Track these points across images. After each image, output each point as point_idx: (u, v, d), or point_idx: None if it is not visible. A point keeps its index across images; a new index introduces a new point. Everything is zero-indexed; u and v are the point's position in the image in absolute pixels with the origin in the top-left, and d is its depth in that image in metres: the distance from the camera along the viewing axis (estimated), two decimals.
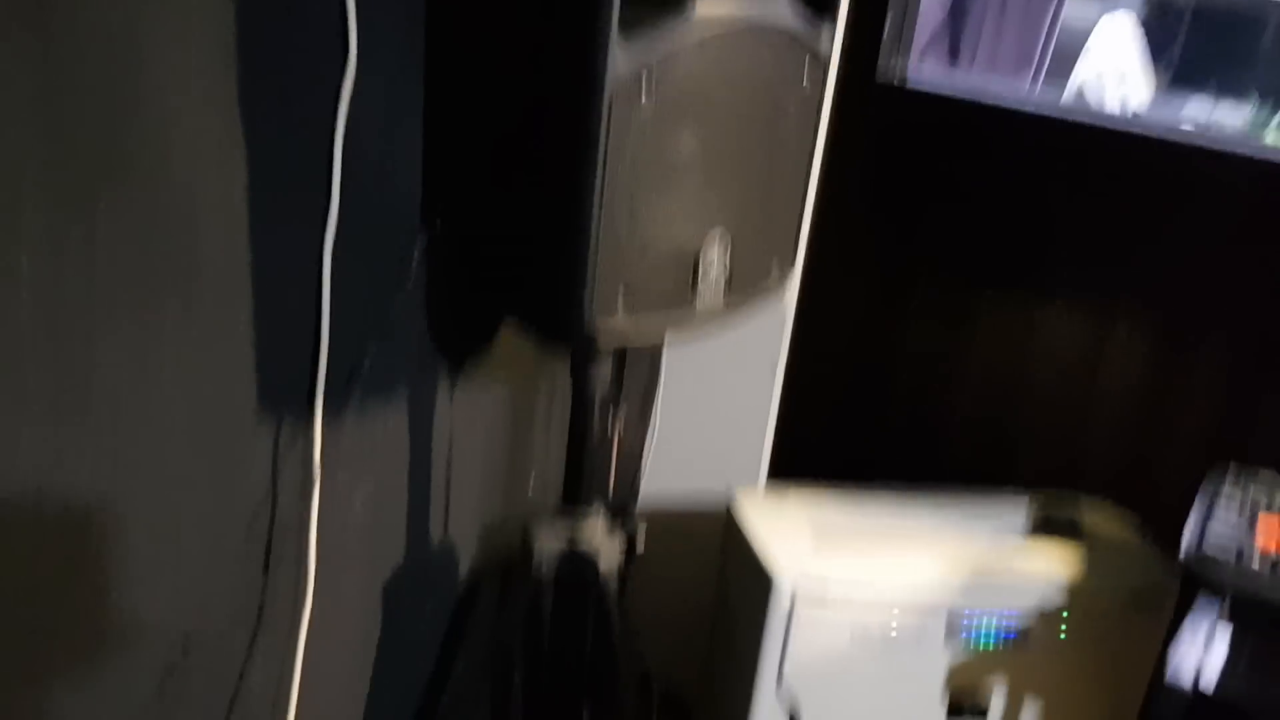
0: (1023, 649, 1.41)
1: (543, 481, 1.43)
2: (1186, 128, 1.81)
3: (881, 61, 1.88)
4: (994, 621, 1.41)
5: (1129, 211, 1.78)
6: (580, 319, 1.14)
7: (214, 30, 0.98)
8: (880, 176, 1.98)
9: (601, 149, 1.06)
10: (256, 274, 1.09)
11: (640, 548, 1.39)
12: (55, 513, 1.00)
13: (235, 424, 1.17)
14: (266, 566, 1.25)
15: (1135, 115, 2.57)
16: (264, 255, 1.09)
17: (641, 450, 1.96)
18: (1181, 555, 1.13)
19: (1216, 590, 1.08)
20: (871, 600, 1.39)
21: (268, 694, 1.30)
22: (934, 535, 1.53)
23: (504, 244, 1.25)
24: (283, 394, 1.20)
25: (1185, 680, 1.01)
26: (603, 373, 1.31)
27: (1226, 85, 2.69)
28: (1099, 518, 1.62)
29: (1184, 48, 2.88)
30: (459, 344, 1.45)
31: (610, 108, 1.04)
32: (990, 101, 1.84)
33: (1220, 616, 1.08)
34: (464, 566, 1.59)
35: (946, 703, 1.44)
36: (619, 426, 1.43)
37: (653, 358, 1.92)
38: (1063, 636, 1.40)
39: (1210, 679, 1.02)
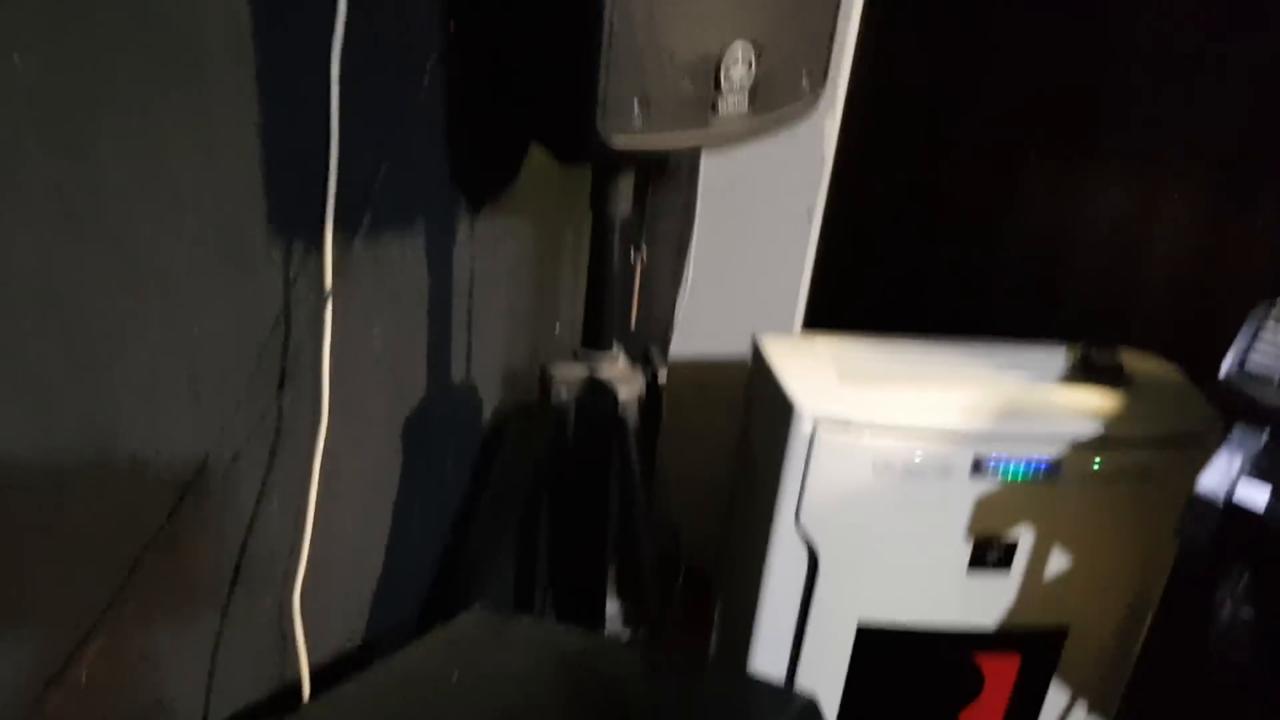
0: (1053, 484, 1.37)
1: (572, 328, 1.40)
2: None
3: None
4: (1025, 454, 1.36)
5: (1188, 46, 1.68)
6: (593, 130, 1.09)
7: None
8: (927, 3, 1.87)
9: None
10: (262, 78, 1.06)
11: (662, 379, 1.36)
12: (57, 328, 0.99)
13: (246, 238, 1.15)
14: (281, 385, 1.24)
15: None
16: (269, 58, 1.06)
17: (675, 298, 1.93)
18: (1221, 375, 1.09)
19: (1254, 409, 1.04)
20: (895, 430, 1.35)
21: (286, 520, 1.30)
22: (967, 375, 1.48)
23: (519, 51, 1.20)
24: (293, 210, 1.17)
25: (1218, 495, 0.97)
26: (622, 193, 1.26)
27: None
28: (1144, 365, 1.56)
29: None
30: (479, 170, 1.41)
31: None
32: None
33: (1258, 440, 1.04)
34: (489, 408, 1.58)
35: (971, 540, 1.41)
36: (642, 258, 1.39)
37: (687, 201, 1.87)
38: (1096, 468, 1.36)
39: (1244, 496, 0.98)
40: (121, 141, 0.96)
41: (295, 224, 1.18)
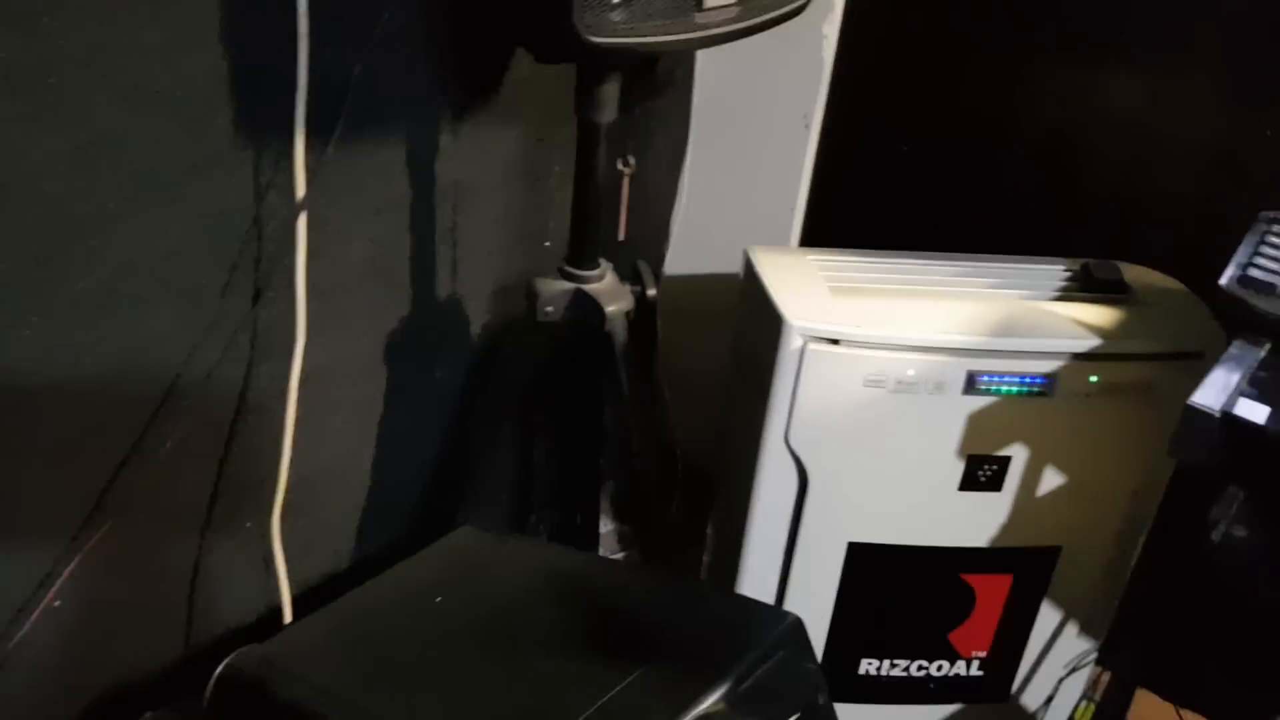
0: (1048, 400, 1.34)
1: (562, 241, 1.36)
2: None
3: None
4: (1019, 370, 1.33)
5: None
6: (571, 27, 1.04)
7: None
8: None
9: None
10: None
11: (653, 291, 1.33)
12: (17, 228, 0.95)
13: (214, 141, 1.11)
14: (256, 299, 1.21)
15: None
16: None
17: (670, 213, 1.89)
18: (1223, 282, 1.05)
19: (1254, 319, 1.00)
20: (887, 345, 1.32)
21: (264, 439, 1.28)
22: (963, 289, 1.45)
23: None
24: (263, 110, 1.13)
25: (1214, 408, 0.94)
26: (608, 98, 1.21)
27: None
28: (1148, 278, 1.52)
29: None
30: (462, 74, 1.36)
31: None
32: None
33: (1258, 353, 1.01)
34: (478, 323, 1.55)
35: (964, 458, 1.38)
36: (630, 168, 1.35)
37: (681, 111, 1.81)
38: (1093, 380, 1.33)
39: (1243, 407, 0.95)
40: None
41: (265, 126, 1.14)
